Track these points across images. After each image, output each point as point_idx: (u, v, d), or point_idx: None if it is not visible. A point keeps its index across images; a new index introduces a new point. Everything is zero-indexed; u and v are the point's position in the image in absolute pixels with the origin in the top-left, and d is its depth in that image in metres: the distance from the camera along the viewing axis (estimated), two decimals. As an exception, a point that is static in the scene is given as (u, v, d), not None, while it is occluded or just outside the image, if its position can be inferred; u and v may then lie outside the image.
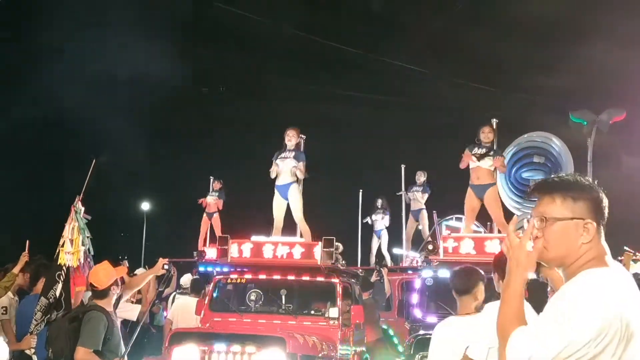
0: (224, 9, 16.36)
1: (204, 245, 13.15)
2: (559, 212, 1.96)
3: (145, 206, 34.08)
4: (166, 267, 5.43)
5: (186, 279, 9.94)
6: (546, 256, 2.01)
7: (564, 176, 2.08)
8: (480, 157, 8.49)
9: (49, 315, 5.50)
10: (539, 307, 3.52)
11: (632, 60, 13.97)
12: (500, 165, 8.68)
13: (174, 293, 9.83)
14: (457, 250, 7.51)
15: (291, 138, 8.82)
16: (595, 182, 2.04)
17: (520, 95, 18.30)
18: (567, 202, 1.96)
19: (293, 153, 8.80)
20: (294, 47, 21.63)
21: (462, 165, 8.68)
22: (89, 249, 5.87)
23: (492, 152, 8.60)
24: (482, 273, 4.00)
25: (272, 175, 8.83)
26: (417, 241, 13.48)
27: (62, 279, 5.58)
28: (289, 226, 8.92)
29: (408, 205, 13.94)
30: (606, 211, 1.99)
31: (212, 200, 13.78)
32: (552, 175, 2.16)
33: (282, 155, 8.81)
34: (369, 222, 14.63)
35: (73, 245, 5.70)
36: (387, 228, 14.53)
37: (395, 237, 14.70)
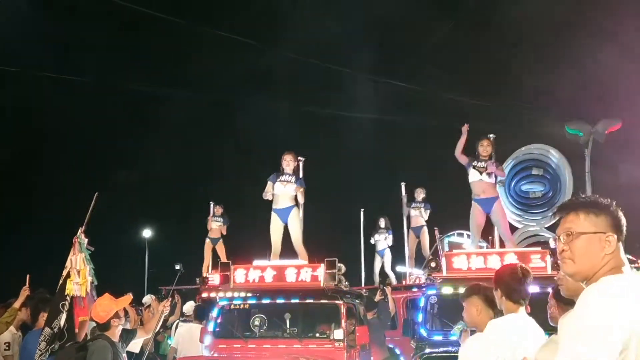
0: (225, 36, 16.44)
1: (207, 271, 13.09)
2: (583, 226, 2.16)
3: (147, 233, 34.04)
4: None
5: (189, 307, 9.91)
6: (573, 268, 2.16)
7: (586, 195, 2.31)
8: (482, 170, 8.48)
9: (52, 345, 5.53)
10: (541, 321, 3.53)
11: (628, 68, 14.02)
12: (498, 170, 8.63)
13: (177, 321, 9.80)
14: (460, 266, 7.46)
15: (289, 163, 8.80)
16: (611, 201, 2.21)
17: (517, 108, 18.37)
18: (590, 218, 2.16)
19: (294, 178, 8.77)
20: (291, 69, 21.84)
21: (458, 154, 8.67)
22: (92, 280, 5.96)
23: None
24: (477, 287, 3.93)
25: (266, 197, 8.76)
26: (420, 258, 13.45)
27: (65, 309, 5.63)
28: (287, 250, 8.87)
29: (409, 222, 13.89)
30: (624, 228, 2.17)
31: (216, 226, 13.70)
32: (574, 196, 2.40)
33: (282, 179, 8.75)
34: (372, 242, 14.58)
35: (80, 275, 5.77)
36: (389, 247, 14.50)
37: (397, 255, 14.64)
